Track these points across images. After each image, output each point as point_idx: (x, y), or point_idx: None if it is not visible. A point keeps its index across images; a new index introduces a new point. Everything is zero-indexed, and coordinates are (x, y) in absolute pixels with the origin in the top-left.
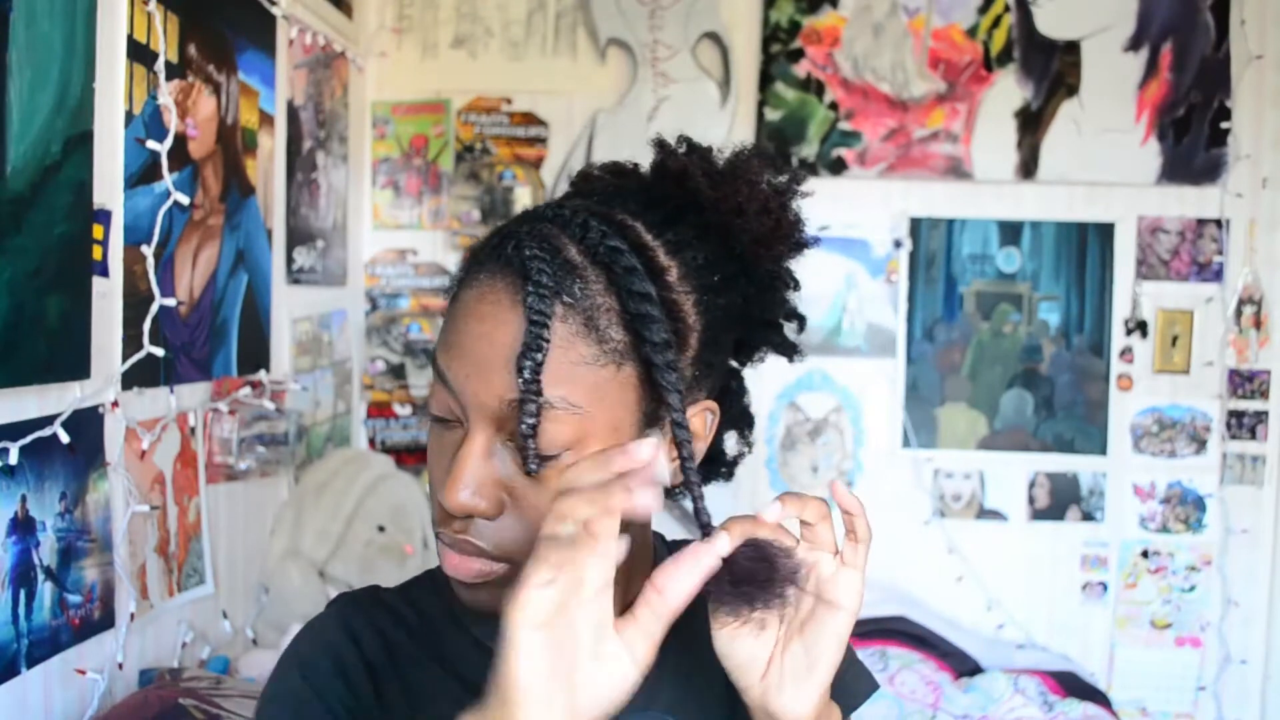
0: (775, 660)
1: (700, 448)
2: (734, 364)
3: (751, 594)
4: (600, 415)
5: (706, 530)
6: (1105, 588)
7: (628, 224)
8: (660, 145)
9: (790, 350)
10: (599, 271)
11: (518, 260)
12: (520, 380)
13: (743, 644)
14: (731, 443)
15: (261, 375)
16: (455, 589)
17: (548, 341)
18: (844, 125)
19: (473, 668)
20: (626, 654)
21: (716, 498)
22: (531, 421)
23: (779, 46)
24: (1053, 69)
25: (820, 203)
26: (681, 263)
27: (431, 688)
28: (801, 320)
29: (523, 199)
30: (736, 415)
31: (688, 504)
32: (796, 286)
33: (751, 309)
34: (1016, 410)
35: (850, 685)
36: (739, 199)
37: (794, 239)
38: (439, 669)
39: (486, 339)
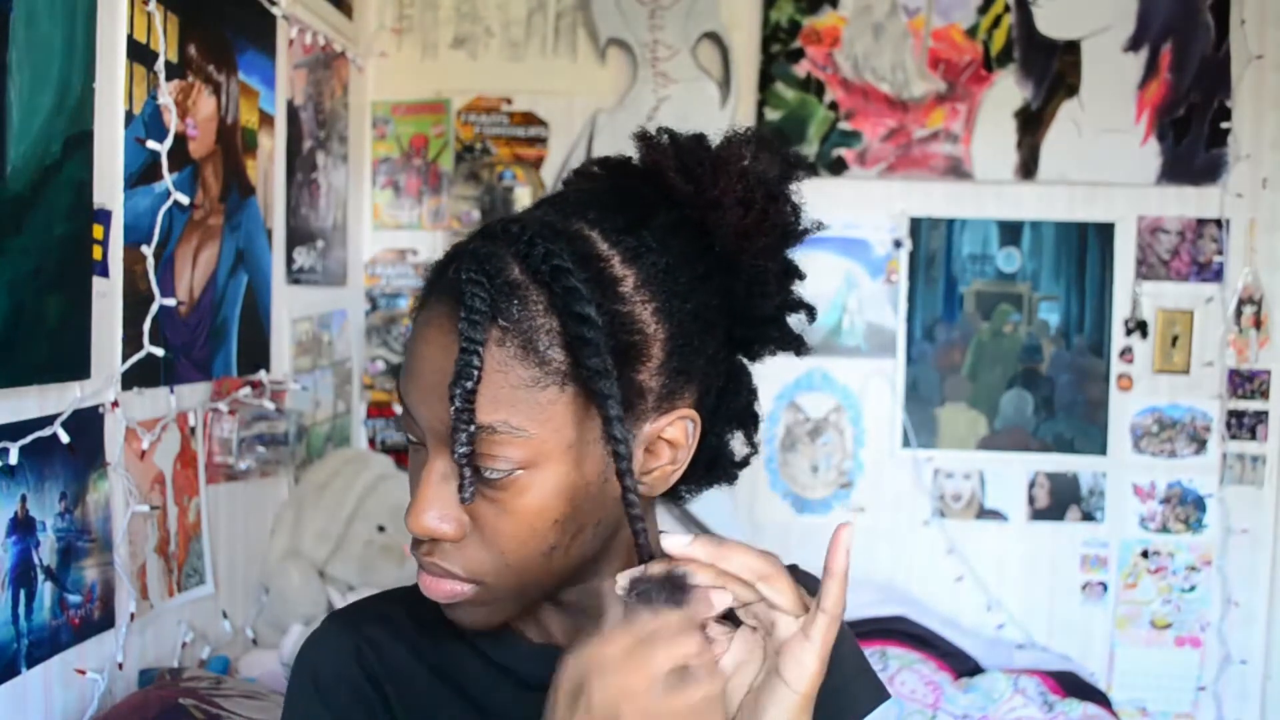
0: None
1: (683, 456)
2: (743, 360)
3: None
4: (549, 436)
5: (644, 559)
6: (1105, 588)
7: (582, 234)
8: (641, 138)
9: (795, 344)
10: (540, 291)
11: (456, 283)
12: (452, 409)
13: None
14: (738, 444)
15: (261, 375)
16: (444, 611)
17: (478, 369)
18: (844, 125)
19: (475, 682)
20: None
21: (716, 498)
22: (464, 450)
23: (779, 46)
24: (1053, 69)
25: (820, 203)
26: (640, 270)
27: (436, 706)
28: (811, 311)
29: (523, 199)
30: (738, 414)
31: (690, 507)
32: (799, 277)
33: (737, 306)
34: (1016, 410)
35: (858, 694)
36: (715, 192)
37: (782, 231)
38: (441, 685)
39: (430, 364)
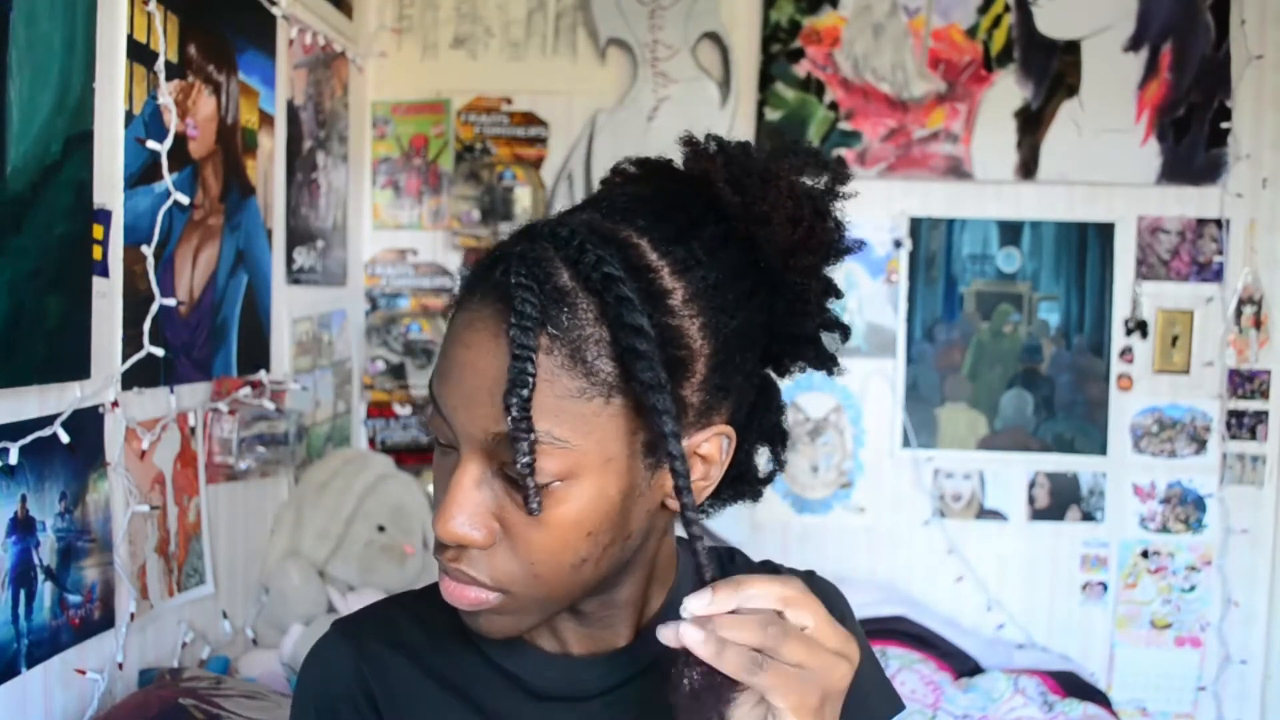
0: None
1: (715, 473)
2: (771, 375)
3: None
4: (591, 448)
5: (702, 580)
6: (1105, 588)
7: (631, 242)
8: (688, 143)
9: (827, 363)
10: (591, 300)
11: (504, 287)
12: (509, 419)
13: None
14: (764, 459)
15: (261, 375)
16: (463, 618)
17: (532, 375)
18: (844, 125)
19: (483, 688)
20: None
21: None
22: (527, 460)
23: (779, 46)
24: (1053, 69)
25: None
26: (689, 284)
27: (441, 716)
28: (845, 331)
29: (523, 199)
30: (769, 430)
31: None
32: (838, 295)
33: (778, 324)
34: (1016, 410)
35: (873, 706)
36: (765, 207)
37: (827, 249)
38: (447, 694)
39: (472, 368)
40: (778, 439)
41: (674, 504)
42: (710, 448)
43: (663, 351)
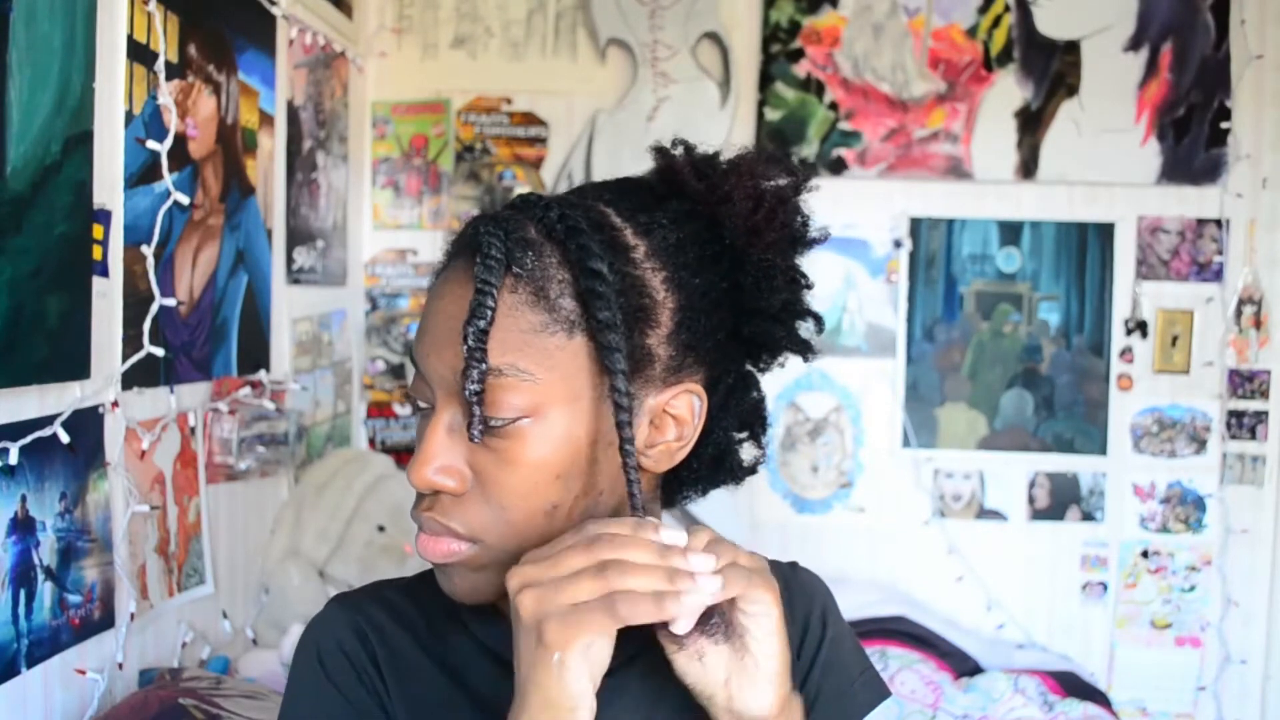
0: (732, 669)
1: (688, 433)
2: (749, 367)
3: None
4: (555, 383)
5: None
6: (1105, 588)
7: (598, 209)
8: (658, 150)
9: (801, 348)
10: (555, 248)
11: (474, 238)
12: (464, 346)
13: (699, 663)
14: (749, 453)
15: (261, 375)
16: (439, 580)
17: (491, 309)
18: (844, 125)
19: (475, 673)
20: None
21: (717, 497)
22: (475, 388)
23: (779, 46)
24: (1053, 69)
25: (820, 203)
26: (651, 242)
27: (433, 696)
28: (819, 321)
29: None
30: (747, 413)
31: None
32: (809, 285)
33: (744, 298)
34: (1016, 410)
35: (859, 694)
36: (727, 188)
37: (790, 233)
38: (441, 675)
39: (443, 314)
40: (757, 424)
41: (653, 464)
42: (681, 406)
43: (624, 298)
